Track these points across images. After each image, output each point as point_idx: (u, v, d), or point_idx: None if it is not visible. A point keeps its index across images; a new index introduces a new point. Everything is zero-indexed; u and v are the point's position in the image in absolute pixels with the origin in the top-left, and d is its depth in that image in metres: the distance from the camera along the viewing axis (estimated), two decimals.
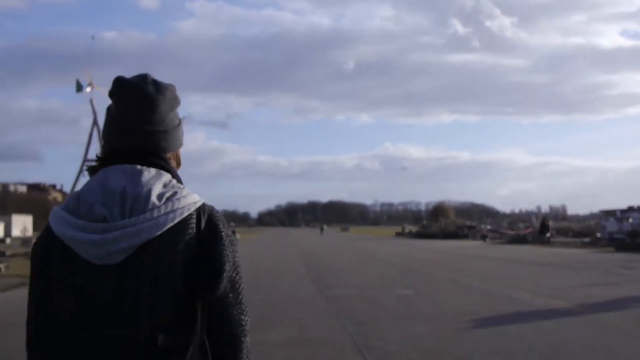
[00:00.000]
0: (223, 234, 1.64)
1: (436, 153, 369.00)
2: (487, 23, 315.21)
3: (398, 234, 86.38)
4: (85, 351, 1.52)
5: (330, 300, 13.26)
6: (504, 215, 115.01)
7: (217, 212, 1.68)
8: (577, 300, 12.07)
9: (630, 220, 40.59)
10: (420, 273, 19.91)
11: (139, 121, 1.66)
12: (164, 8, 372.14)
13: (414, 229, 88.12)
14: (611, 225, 47.58)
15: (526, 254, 30.85)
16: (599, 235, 48.05)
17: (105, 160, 1.68)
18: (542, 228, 47.41)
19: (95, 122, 40.15)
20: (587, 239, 45.66)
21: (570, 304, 11.67)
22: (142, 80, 1.71)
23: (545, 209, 74.50)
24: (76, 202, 1.58)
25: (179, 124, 1.78)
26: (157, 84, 1.72)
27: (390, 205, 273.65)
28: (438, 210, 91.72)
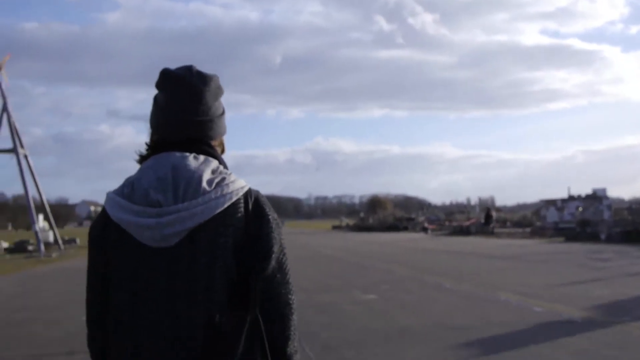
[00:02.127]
0: (270, 217, 1.70)
1: (367, 147, 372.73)
2: (411, 20, 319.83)
3: (335, 227, 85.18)
4: (143, 331, 1.57)
5: None
6: (437, 207, 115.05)
7: (263, 196, 1.73)
8: (582, 304, 9.85)
9: (580, 209, 39.57)
10: (376, 270, 17.42)
11: (186, 112, 1.73)
12: None
13: (351, 221, 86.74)
14: (552, 215, 47.12)
15: (478, 246, 29.00)
16: (538, 224, 47.54)
17: (155, 148, 1.76)
18: (487, 219, 46.41)
19: (4, 108, 35.82)
20: (528, 229, 44.98)
21: (580, 309, 9.41)
22: (188, 72, 1.76)
23: (474, 200, 74.06)
24: (131, 188, 1.64)
25: (223, 112, 1.84)
26: (202, 76, 1.77)
27: (325, 198, 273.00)
28: (375, 203, 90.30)
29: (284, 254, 1.73)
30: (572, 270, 15.50)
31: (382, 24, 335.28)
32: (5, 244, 38.05)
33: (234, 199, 1.63)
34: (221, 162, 1.77)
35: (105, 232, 1.66)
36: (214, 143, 1.80)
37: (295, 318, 1.73)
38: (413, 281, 14.19)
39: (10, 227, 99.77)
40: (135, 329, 1.58)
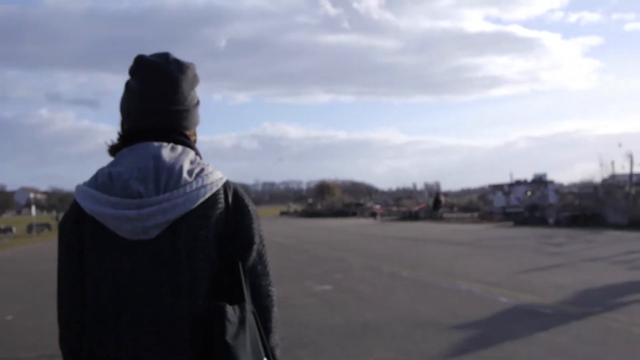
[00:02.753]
0: (250, 208, 1.69)
1: (313, 132, 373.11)
2: (356, 5, 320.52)
3: (283, 213, 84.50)
4: (126, 326, 1.53)
5: None
6: (384, 193, 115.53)
7: (241, 188, 1.70)
8: (548, 292, 9.38)
9: (529, 193, 39.78)
10: (328, 259, 16.73)
11: (162, 100, 1.68)
12: None
13: (299, 207, 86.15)
14: (499, 200, 47.44)
15: (429, 231, 28.71)
16: (486, 209, 47.85)
17: (128, 137, 1.69)
18: (435, 204, 46.44)
19: None
20: (475, 214, 45.23)
21: (547, 298, 8.92)
22: (165, 59, 1.71)
23: (421, 185, 74.19)
24: (108, 179, 1.58)
25: (198, 102, 1.80)
26: (179, 63, 1.72)
27: (272, 184, 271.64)
28: (323, 188, 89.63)
29: (263, 246, 1.72)
30: (529, 256, 15.14)
31: (328, 7, 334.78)
32: None
33: (214, 189, 1.60)
34: (197, 152, 1.72)
35: (78, 226, 1.60)
36: (188, 133, 1.75)
37: (276, 310, 1.71)
38: (368, 270, 13.54)
39: None
40: (118, 324, 1.53)
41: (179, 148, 1.66)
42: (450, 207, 54.61)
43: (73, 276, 1.62)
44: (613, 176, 41.37)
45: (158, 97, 1.68)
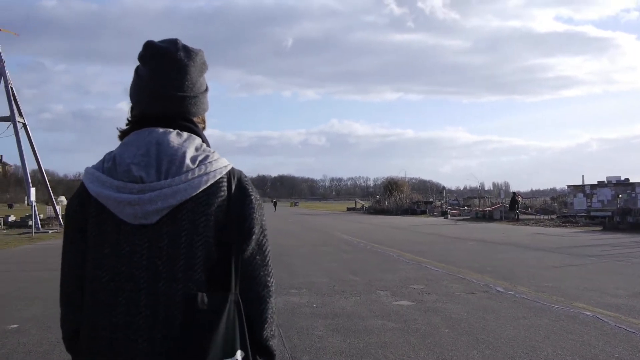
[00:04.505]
0: (252, 197, 1.68)
1: (381, 130, 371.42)
2: (420, 4, 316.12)
3: (350, 209, 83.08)
4: (122, 308, 1.54)
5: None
6: (451, 191, 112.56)
7: (246, 176, 1.72)
8: None
9: (620, 196, 36.36)
10: (403, 264, 14.49)
11: (171, 87, 1.68)
12: None
13: (366, 203, 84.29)
14: (580, 202, 44.14)
15: (510, 234, 26.06)
16: (564, 211, 44.59)
17: (136, 123, 1.71)
18: (512, 204, 43.46)
19: (2, 72, 33.27)
20: (553, 216, 42.13)
21: None
22: (174, 45, 1.70)
23: (488, 185, 71.17)
24: (112, 163, 1.60)
25: (207, 89, 1.79)
26: (187, 50, 1.72)
27: (340, 180, 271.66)
28: (392, 185, 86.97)
29: (264, 236, 1.69)
30: None
31: (393, 7, 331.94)
32: (13, 218, 38.54)
33: (217, 177, 1.61)
34: (204, 139, 1.73)
35: (83, 207, 1.62)
36: (197, 120, 1.76)
37: (273, 301, 1.70)
38: (454, 281, 11.24)
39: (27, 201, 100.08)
40: (114, 306, 1.54)
41: (185, 134, 1.66)
42: (525, 208, 51.37)
43: (75, 257, 1.63)
44: None
45: (166, 83, 1.67)
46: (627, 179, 42.27)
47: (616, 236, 24.08)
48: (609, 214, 34.69)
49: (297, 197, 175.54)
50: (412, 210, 62.02)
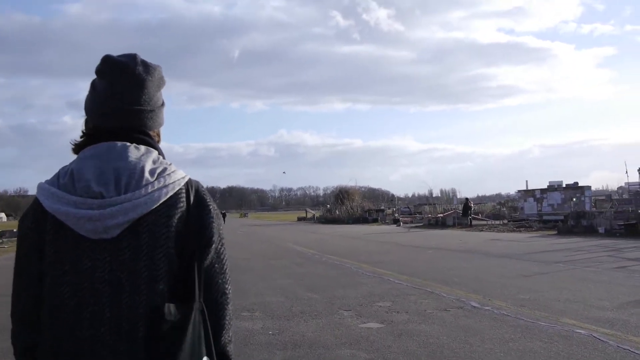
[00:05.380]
0: (211, 207, 1.69)
1: (330, 140, 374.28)
2: (365, 16, 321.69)
3: (300, 219, 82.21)
4: (85, 323, 1.52)
5: None
6: (400, 199, 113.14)
7: (203, 187, 1.72)
8: None
9: (574, 199, 36.35)
10: (364, 277, 13.43)
11: (128, 101, 1.67)
12: None
13: (317, 213, 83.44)
14: (530, 206, 44.30)
15: (467, 240, 25.37)
16: (515, 215, 44.65)
17: (92, 136, 1.69)
18: (465, 210, 43.16)
19: None
20: (504, 221, 42.02)
21: None
22: (133, 60, 1.70)
23: (436, 193, 71.25)
24: (69, 179, 1.58)
25: (163, 103, 1.79)
26: (146, 65, 1.72)
27: (289, 190, 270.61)
28: (342, 193, 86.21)
29: (222, 244, 1.72)
30: (619, 277, 11.77)
31: (339, 19, 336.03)
32: None
33: (176, 189, 1.61)
34: (160, 152, 1.72)
35: (38, 225, 1.59)
36: (152, 134, 1.75)
37: (230, 308, 1.72)
38: (422, 295, 10.21)
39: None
40: (78, 321, 1.53)
41: (142, 148, 1.65)
42: (475, 213, 51.34)
43: (31, 274, 1.60)
44: (632, 184, 37.96)
45: (125, 97, 1.66)
46: (577, 183, 42.51)
47: (573, 240, 23.62)
48: (561, 217, 34.56)
49: (247, 208, 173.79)
50: (363, 218, 61.41)
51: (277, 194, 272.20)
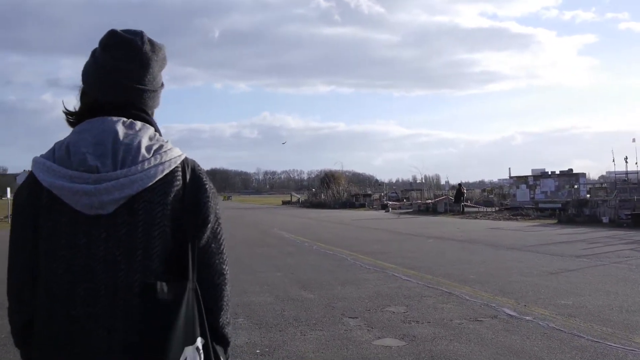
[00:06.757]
0: (207, 186, 1.64)
1: (313, 123, 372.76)
2: None
3: (285, 203, 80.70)
4: (79, 299, 1.48)
5: None
6: (384, 184, 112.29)
7: (199, 165, 1.67)
8: None
9: (576, 186, 34.81)
10: (364, 271, 11.67)
11: (132, 78, 1.63)
12: None
13: (302, 197, 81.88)
14: (523, 194, 42.79)
15: (464, 228, 23.73)
16: (506, 202, 43.18)
17: (89, 110, 1.65)
18: (458, 196, 41.64)
19: None
20: (496, 208, 40.64)
21: None
22: (140, 37, 1.65)
23: (420, 178, 69.85)
24: (65, 152, 1.53)
25: (162, 85, 1.75)
26: (152, 44, 1.68)
27: (274, 173, 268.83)
28: (328, 177, 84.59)
29: (219, 224, 1.67)
30: None
31: (320, 0, 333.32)
32: None
33: (172, 167, 1.57)
34: (156, 129, 1.68)
35: (34, 198, 1.54)
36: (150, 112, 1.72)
37: (228, 289, 1.67)
38: (441, 298, 8.45)
39: None
40: (72, 298, 1.49)
41: (139, 124, 1.61)
42: (465, 200, 50.00)
43: (26, 249, 1.56)
44: (610, 173, 36.63)
45: (128, 75, 1.62)
46: (571, 170, 40.99)
47: (579, 230, 22.06)
48: (559, 205, 33.10)
49: (231, 191, 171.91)
50: (350, 203, 59.83)
51: (261, 177, 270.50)
